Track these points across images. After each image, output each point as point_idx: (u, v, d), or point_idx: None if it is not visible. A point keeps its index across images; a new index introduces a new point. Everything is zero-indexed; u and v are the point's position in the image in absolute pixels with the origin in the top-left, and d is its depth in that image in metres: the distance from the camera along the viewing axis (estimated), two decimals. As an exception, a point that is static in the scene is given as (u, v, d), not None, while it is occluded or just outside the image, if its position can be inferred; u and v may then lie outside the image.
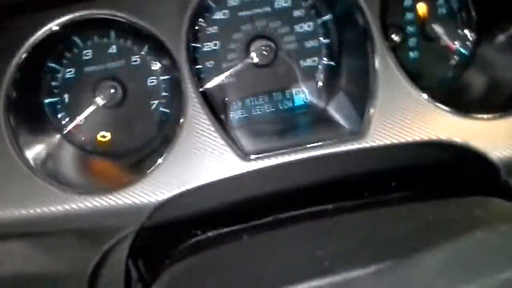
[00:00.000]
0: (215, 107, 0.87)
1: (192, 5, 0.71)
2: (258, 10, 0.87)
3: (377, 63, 0.73)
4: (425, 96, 0.73)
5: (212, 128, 0.71)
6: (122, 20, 0.74)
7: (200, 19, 0.85)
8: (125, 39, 0.85)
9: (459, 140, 0.71)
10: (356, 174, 0.74)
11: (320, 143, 0.72)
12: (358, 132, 0.73)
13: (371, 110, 0.73)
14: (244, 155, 0.72)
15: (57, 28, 0.73)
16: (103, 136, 0.89)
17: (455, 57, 0.91)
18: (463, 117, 0.73)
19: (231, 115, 0.89)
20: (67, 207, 0.68)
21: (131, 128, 0.86)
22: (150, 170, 0.69)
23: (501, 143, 0.71)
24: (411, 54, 0.90)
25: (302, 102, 0.90)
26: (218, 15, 0.86)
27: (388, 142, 0.71)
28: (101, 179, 0.77)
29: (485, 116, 0.73)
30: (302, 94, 0.90)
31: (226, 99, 0.89)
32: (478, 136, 0.71)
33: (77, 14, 0.72)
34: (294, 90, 0.90)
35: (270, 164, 0.71)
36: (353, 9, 0.76)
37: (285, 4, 0.87)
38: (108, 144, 0.87)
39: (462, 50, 0.90)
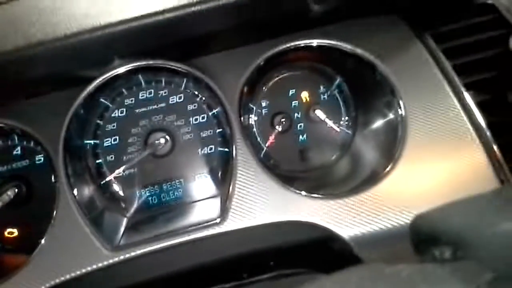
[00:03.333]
0: (118, 198, 0.92)
1: (70, 113, 0.78)
2: (154, 106, 0.94)
3: (234, 151, 0.79)
4: (277, 181, 0.78)
5: (81, 224, 0.75)
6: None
7: (98, 118, 0.92)
8: (28, 141, 0.90)
9: (312, 221, 0.74)
10: (224, 258, 0.76)
11: (183, 231, 0.76)
12: (218, 217, 0.77)
13: (229, 196, 0.77)
14: (112, 247, 0.75)
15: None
16: (10, 233, 0.92)
17: (338, 138, 0.98)
18: (316, 199, 0.76)
19: (130, 205, 0.92)
20: None
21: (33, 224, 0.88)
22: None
23: (351, 221, 0.74)
24: (300, 137, 0.98)
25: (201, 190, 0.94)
26: (116, 113, 0.93)
27: (244, 225, 0.75)
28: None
29: (336, 197, 0.76)
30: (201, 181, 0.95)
31: (127, 189, 0.93)
32: (329, 216, 0.74)
33: None
34: (196, 177, 0.94)
35: (137, 254, 0.74)
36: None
37: (179, 100, 0.94)
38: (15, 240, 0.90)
39: (346, 131, 0.98)
